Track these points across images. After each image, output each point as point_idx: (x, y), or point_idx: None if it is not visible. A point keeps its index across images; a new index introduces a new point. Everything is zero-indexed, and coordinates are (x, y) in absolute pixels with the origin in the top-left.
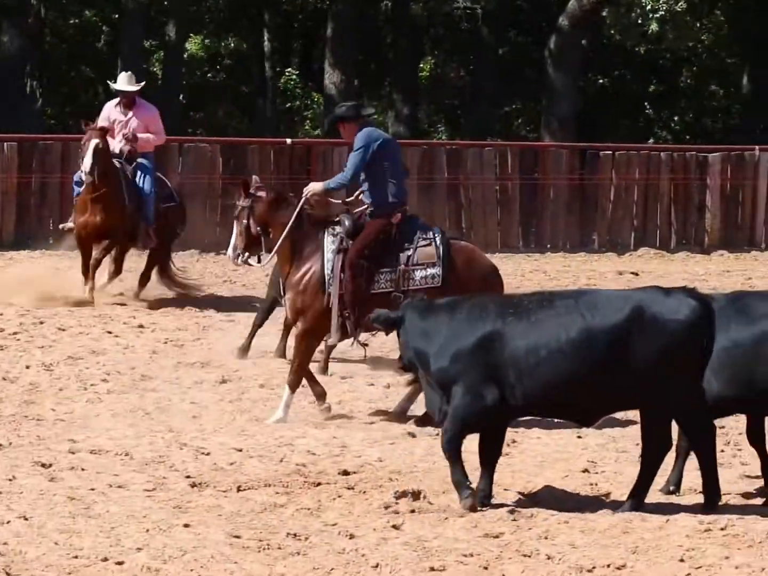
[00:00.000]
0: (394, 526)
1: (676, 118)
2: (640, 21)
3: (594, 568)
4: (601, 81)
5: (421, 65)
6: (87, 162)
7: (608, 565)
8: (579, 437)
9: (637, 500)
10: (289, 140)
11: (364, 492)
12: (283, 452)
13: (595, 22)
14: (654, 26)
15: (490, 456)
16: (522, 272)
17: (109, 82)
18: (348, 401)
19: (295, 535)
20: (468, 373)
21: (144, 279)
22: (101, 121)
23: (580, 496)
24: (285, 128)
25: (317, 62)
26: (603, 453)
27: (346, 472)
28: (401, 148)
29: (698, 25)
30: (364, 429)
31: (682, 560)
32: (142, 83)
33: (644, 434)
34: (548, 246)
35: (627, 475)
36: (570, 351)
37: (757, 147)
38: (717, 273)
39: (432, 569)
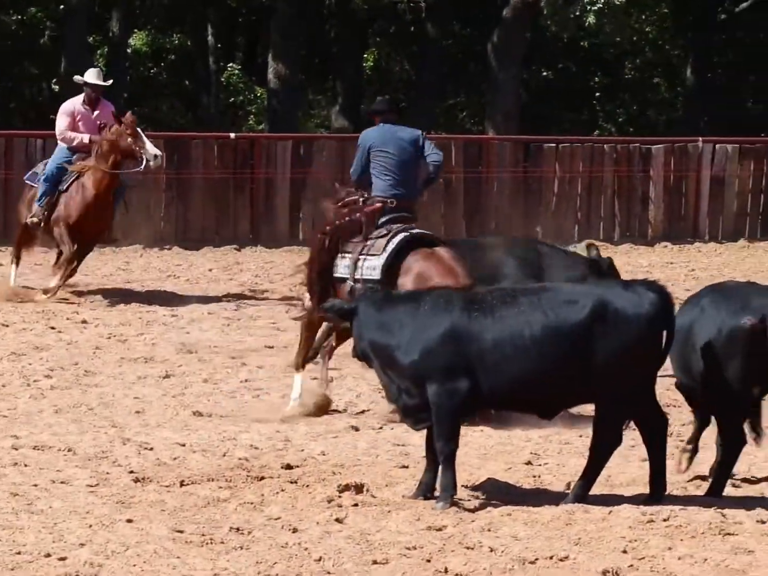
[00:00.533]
0: (338, 520)
1: (620, 111)
2: (577, 13)
3: (537, 559)
4: (545, 74)
5: (365, 56)
6: (154, 148)
7: (551, 557)
8: (522, 429)
9: (581, 492)
10: (233, 135)
11: (308, 486)
12: (226, 447)
13: (537, 15)
14: (591, 19)
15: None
16: None
17: (77, 77)
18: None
19: (238, 529)
20: (441, 367)
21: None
22: (65, 116)
23: (524, 488)
24: (229, 123)
25: (261, 57)
26: (546, 445)
27: (289, 466)
28: (412, 141)
29: (642, 17)
30: (308, 423)
31: (624, 551)
32: (111, 81)
33: (597, 426)
34: None
35: (570, 466)
36: (534, 348)
37: (700, 139)
38: (660, 264)
39: (375, 562)
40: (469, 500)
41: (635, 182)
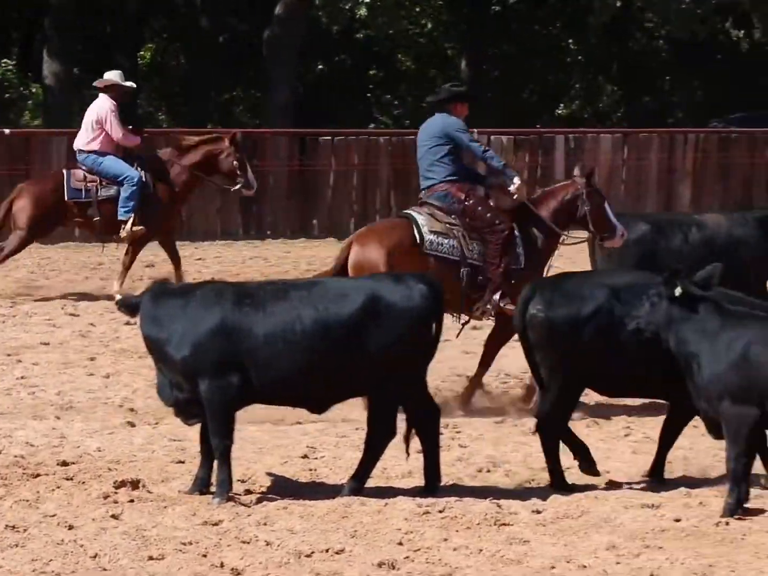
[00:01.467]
0: (113, 516)
1: (396, 103)
2: (349, 5)
3: (313, 553)
4: (320, 67)
5: (142, 53)
6: (253, 179)
7: (327, 550)
8: (299, 423)
9: (356, 485)
10: (7, 130)
11: (83, 482)
12: (1, 444)
13: (310, 7)
14: (363, 11)
15: (209, 444)
16: (243, 259)
17: (102, 80)
18: (67, 391)
19: (13, 527)
20: (211, 362)
21: None
22: (116, 117)
23: (300, 482)
24: (3, 119)
25: (37, 52)
26: (322, 438)
27: (65, 463)
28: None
29: (417, 9)
30: (84, 419)
31: (400, 543)
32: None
33: (370, 419)
34: (269, 233)
35: (346, 459)
36: (304, 342)
37: (475, 130)
38: None
39: (151, 558)
40: (245, 495)
41: (411, 175)
